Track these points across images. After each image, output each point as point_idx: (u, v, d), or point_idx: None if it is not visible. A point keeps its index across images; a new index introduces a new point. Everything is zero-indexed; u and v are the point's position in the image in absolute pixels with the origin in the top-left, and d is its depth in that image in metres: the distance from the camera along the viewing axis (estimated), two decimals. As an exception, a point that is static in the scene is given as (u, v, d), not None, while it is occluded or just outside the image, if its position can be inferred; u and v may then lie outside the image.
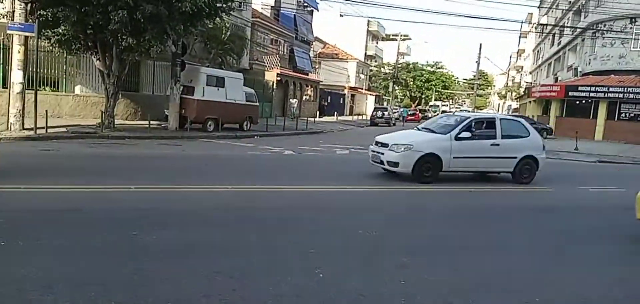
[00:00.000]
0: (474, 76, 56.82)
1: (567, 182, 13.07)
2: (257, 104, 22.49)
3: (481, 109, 71.31)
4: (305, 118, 29.85)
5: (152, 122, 18.54)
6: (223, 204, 7.59)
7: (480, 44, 63.02)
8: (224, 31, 25.21)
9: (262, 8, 37.62)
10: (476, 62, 49.76)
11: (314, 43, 49.84)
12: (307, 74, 44.49)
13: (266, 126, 22.59)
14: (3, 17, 14.48)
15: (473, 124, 10.99)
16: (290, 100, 36.46)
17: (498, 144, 11.02)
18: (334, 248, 5.60)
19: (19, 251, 4.85)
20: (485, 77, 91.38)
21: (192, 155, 13.46)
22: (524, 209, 8.95)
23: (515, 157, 11.30)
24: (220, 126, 19.47)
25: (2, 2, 14.51)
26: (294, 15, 41.32)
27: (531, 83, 56.87)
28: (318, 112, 41.21)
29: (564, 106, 35.43)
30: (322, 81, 48.07)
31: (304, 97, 41.89)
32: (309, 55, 46.65)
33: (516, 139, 11.36)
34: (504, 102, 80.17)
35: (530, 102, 46.01)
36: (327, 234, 6.25)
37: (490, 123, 11.35)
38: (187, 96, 18.80)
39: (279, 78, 35.74)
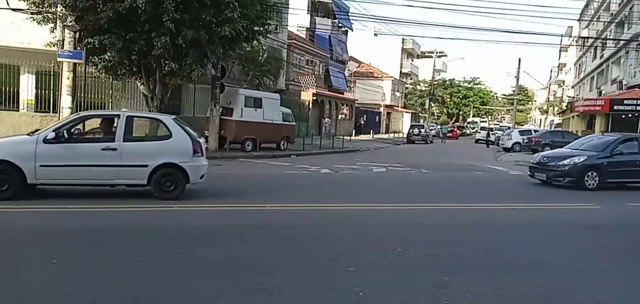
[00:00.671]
0: (513, 91, 55.61)
1: (613, 199, 12.57)
2: (294, 123, 22.77)
3: (521, 125, 69.53)
4: (341, 137, 29.95)
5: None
6: (263, 222, 7.72)
7: (519, 59, 61.78)
8: (261, 53, 25.75)
9: (297, 30, 38.24)
10: (515, 77, 48.76)
11: (349, 62, 50.14)
12: (343, 93, 44.72)
13: (303, 145, 22.81)
14: (54, 45, 15.32)
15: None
16: (324, 119, 36.65)
17: None
18: (373, 266, 5.59)
19: (68, 268, 5.08)
20: (526, 92, 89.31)
21: (231, 174, 13.73)
22: (569, 225, 8.66)
23: None
24: (258, 146, 19.80)
25: (53, 32, 15.33)
26: (329, 36, 41.76)
27: (574, 97, 55.15)
28: (354, 131, 41.24)
29: (609, 120, 34.10)
30: (357, 100, 48.19)
31: (340, 116, 42.06)
32: (344, 74, 46.93)
33: None
34: (546, 117, 77.96)
35: (573, 116, 44.57)
36: (366, 251, 6.24)
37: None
38: (226, 117, 19.25)
39: (314, 98, 36.07)
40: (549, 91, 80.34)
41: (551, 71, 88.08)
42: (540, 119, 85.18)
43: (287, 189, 11.81)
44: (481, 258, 6.22)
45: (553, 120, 69.49)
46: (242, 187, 11.61)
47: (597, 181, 13.03)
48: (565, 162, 13.51)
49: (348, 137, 33.24)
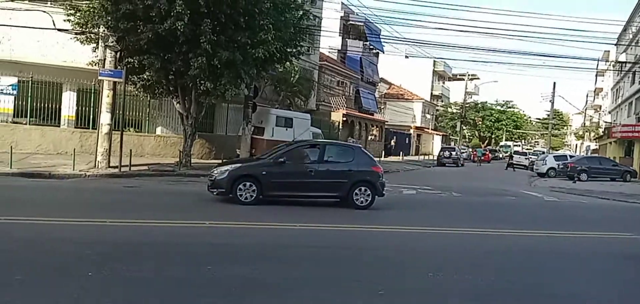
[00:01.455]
0: (548, 116, 54.45)
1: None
2: (324, 144, 22.85)
3: (557, 149, 67.85)
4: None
5: (224, 161, 19.41)
6: (292, 241, 7.78)
7: (554, 83, 60.40)
8: (293, 74, 26.11)
9: (329, 52, 38.63)
10: (550, 101, 47.71)
11: (379, 84, 50.19)
12: (373, 114, 44.72)
13: (332, 165, 22.81)
14: (95, 64, 15.94)
15: None
16: (350, 139, 36.52)
17: None
18: (402, 290, 5.57)
19: (104, 281, 5.24)
20: (561, 116, 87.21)
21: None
22: (607, 255, 8.39)
23: None
24: (288, 166, 19.93)
25: (95, 51, 15.96)
26: (360, 57, 41.99)
27: (611, 123, 53.52)
28: (383, 152, 41.07)
29: (650, 147, 32.97)
30: (387, 121, 48.07)
31: (369, 137, 42.01)
32: (374, 95, 46.98)
33: None
34: (582, 143, 75.84)
35: (610, 142, 43.28)
36: (395, 275, 6.21)
37: None
38: (257, 136, 19.55)
39: (345, 118, 36.21)
40: (584, 116, 78.22)
41: (587, 96, 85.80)
42: (576, 145, 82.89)
43: (316, 209, 11.84)
44: (516, 286, 6.11)
45: (589, 145, 67.57)
46: (273, 206, 11.71)
47: (255, 194, 10.76)
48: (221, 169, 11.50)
49: (378, 159, 33.08)
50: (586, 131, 73.16)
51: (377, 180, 11.63)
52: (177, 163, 17.33)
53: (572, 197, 19.43)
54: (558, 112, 79.96)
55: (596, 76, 59.55)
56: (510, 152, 46.80)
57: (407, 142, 50.85)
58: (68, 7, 15.09)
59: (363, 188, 11.38)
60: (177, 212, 9.36)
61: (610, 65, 55.82)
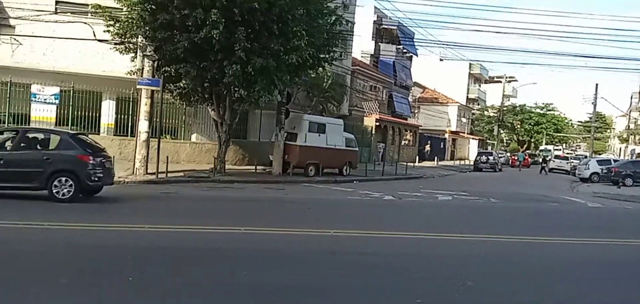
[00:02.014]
0: (590, 118, 52.55)
1: None
2: (357, 149, 22.75)
3: (599, 153, 65.38)
4: (404, 163, 29.52)
5: (258, 167, 19.61)
6: (326, 248, 7.70)
7: (596, 84, 58.41)
8: (325, 80, 26.10)
9: (361, 56, 38.48)
10: (592, 103, 46.06)
11: (413, 88, 49.64)
12: (406, 119, 44.22)
13: (365, 170, 22.70)
14: (133, 73, 16.36)
15: None
16: (379, 143, 35.99)
17: None
18: (441, 299, 5.42)
19: (143, 287, 5.31)
20: (603, 119, 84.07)
21: (294, 199, 13.90)
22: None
23: None
24: (321, 171, 19.94)
25: (133, 61, 16.38)
26: (393, 61, 41.63)
27: (658, 125, 51.15)
28: (417, 158, 40.53)
29: (701, 150, 31.28)
30: (421, 126, 47.46)
31: (403, 142, 41.54)
32: (407, 100, 46.47)
33: None
34: (626, 146, 72.81)
35: (658, 146, 41.35)
36: (433, 283, 6.06)
37: None
38: (290, 142, 19.60)
39: (377, 123, 35.91)
40: (629, 118, 75.10)
41: (631, 97, 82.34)
42: (620, 148, 79.61)
43: (350, 215, 11.76)
44: (561, 296, 5.84)
45: (634, 149, 64.74)
46: (305, 212, 11.70)
47: None
48: None
49: (411, 164, 32.70)
50: (631, 134, 70.17)
51: (82, 170, 10.22)
52: (212, 170, 17.57)
53: (616, 203, 18.62)
54: (601, 114, 77.13)
55: (641, 76, 57.06)
56: (544, 157, 45.94)
57: (441, 146, 50.00)
58: (108, 18, 15.55)
59: (64, 179, 10.10)
60: (211, 218, 9.45)
61: (656, 64, 53.47)
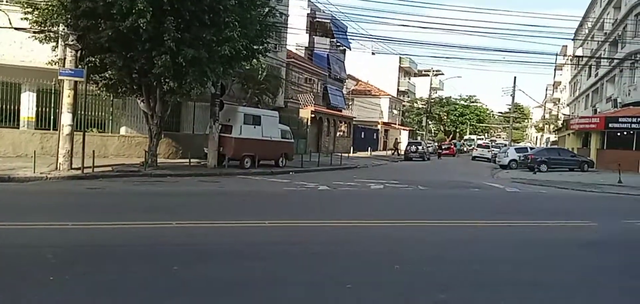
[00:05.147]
0: (509, 109, 56.05)
1: (611, 215, 12.70)
2: (292, 140, 22.91)
3: (518, 142, 69.87)
4: (339, 154, 30.09)
5: (192, 160, 19.24)
6: (260, 239, 7.78)
7: (515, 77, 62.54)
8: (260, 72, 25.98)
9: (296, 49, 38.63)
10: (511, 95, 49.20)
11: (347, 80, 50.53)
12: (341, 111, 45.00)
13: (301, 162, 22.93)
14: (55, 64, 15.45)
15: None
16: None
17: None
18: (370, 284, 5.67)
19: (65, 285, 5.12)
20: (521, 110, 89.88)
21: (230, 191, 13.82)
22: (566, 243, 8.76)
23: None
24: (257, 163, 19.91)
25: (54, 50, 15.47)
26: (327, 55, 42.16)
27: (569, 115, 55.58)
28: (352, 148, 41.38)
29: (605, 138, 34.41)
30: (355, 117, 48.47)
31: (338, 134, 42.27)
32: (342, 92, 47.27)
33: None
34: (542, 135, 78.39)
35: (569, 134, 44.93)
36: (363, 269, 6.32)
37: None
38: (225, 134, 19.39)
39: (313, 115, 36.31)
40: (544, 109, 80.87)
41: (546, 89, 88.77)
42: (536, 137, 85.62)
43: (285, 206, 11.89)
44: (478, 275, 6.32)
45: (549, 138, 69.96)
46: (240, 204, 11.70)
47: None
48: None
49: (346, 155, 33.40)
50: (546, 124, 75.70)
51: None
52: (143, 163, 17.03)
53: (532, 188, 20.12)
54: (519, 105, 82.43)
55: (555, 70, 61.75)
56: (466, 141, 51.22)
57: (374, 137, 51.38)
58: (25, 5, 14.54)
59: None
60: (140, 213, 9.22)
61: (567, 59, 57.99)
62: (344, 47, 47.01)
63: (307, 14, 39.70)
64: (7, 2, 16.57)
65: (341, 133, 43.58)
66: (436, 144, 56.22)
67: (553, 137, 65.61)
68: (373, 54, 49.38)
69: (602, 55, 41.67)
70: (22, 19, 14.82)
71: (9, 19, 15.26)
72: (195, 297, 4.91)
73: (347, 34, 44.26)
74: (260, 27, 17.77)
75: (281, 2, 26.08)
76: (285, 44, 33.00)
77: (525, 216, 11.81)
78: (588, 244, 8.77)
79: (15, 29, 15.28)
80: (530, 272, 6.59)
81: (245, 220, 9.12)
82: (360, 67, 56.44)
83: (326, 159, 26.95)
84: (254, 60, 20.14)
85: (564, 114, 61.16)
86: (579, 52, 53.77)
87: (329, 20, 41.47)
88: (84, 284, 5.18)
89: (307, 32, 39.67)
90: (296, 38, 36.50)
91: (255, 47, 17.89)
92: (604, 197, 17.58)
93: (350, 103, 52.10)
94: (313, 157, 26.40)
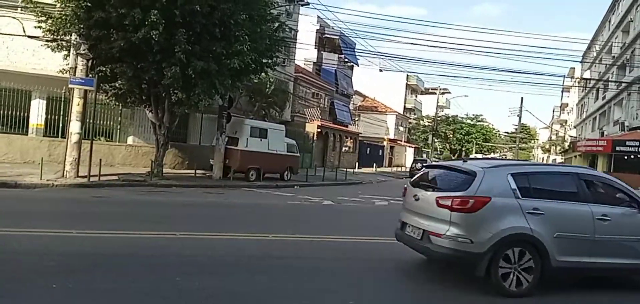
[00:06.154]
0: (516, 129, 55.94)
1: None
2: (298, 154, 22.96)
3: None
4: (345, 169, 30.11)
5: (197, 171, 19.32)
6: (263, 252, 7.77)
7: (522, 98, 62.24)
8: (268, 85, 26.17)
9: (304, 64, 38.89)
10: (517, 115, 49.03)
11: (353, 96, 50.73)
12: (347, 126, 45.10)
13: (306, 176, 22.95)
14: (66, 72, 15.63)
15: None
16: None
17: None
18: (373, 302, 5.67)
19: (69, 294, 5.14)
20: (528, 130, 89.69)
21: (234, 203, 13.86)
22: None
23: None
24: (262, 176, 19.96)
25: (66, 59, 15.65)
26: (335, 70, 42.42)
27: (576, 137, 55.41)
28: (357, 164, 41.40)
29: (611, 161, 34.25)
30: (361, 133, 48.55)
31: (343, 149, 42.33)
32: (349, 108, 47.44)
33: None
34: (548, 156, 78.08)
35: (575, 156, 44.78)
36: (367, 286, 6.31)
37: None
38: (231, 147, 19.48)
39: (319, 130, 36.43)
40: (551, 130, 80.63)
41: (553, 111, 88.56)
42: (542, 158, 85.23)
43: (289, 220, 11.89)
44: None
45: (555, 159, 69.67)
46: (244, 216, 11.73)
47: None
48: None
49: (351, 170, 33.42)
50: (552, 145, 75.43)
51: None
52: (149, 173, 17.12)
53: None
54: (526, 126, 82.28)
55: (562, 91, 61.61)
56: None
57: (380, 154, 51.38)
58: (39, 14, 14.77)
59: None
60: (145, 222, 9.27)
61: (575, 81, 57.96)
62: (352, 63, 47.26)
63: (317, 29, 40.02)
64: (21, 10, 16.83)
65: (347, 148, 43.64)
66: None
67: (559, 159, 65.36)
68: (381, 70, 49.49)
69: (610, 79, 41.64)
70: (35, 27, 15.04)
71: (23, 27, 15.51)
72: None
73: (355, 50, 44.52)
74: (270, 41, 17.94)
75: (291, 17, 26.34)
76: (294, 59, 33.24)
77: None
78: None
79: (29, 37, 15.50)
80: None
81: (249, 233, 9.13)
82: (368, 83, 56.66)
83: (331, 174, 26.96)
84: (262, 73, 20.31)
85: (571, 136, 60.99)
86: (586, 75, 53.76)
87: (337, 37, 41.75)
88: (86, 292, 5.21)
89: (315, 48, 39.96)
90: (305, 53, 36.78)
91: (264, 61, 18.05)
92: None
93: (356, 119, 52.25)
94: (318, 172, 26.43)
